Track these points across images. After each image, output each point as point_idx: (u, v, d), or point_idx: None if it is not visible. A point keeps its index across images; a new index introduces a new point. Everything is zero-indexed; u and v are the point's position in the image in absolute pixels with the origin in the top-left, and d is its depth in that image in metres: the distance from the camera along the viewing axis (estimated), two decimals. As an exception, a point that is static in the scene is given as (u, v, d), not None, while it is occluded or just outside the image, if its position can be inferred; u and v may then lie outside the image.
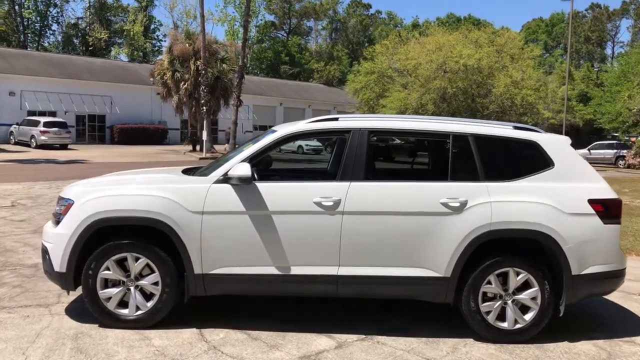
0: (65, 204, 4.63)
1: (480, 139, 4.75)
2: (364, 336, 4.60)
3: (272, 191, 4.54)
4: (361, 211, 4.50)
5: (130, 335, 4.40)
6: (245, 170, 4.42)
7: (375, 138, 4.83)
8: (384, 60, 34.91)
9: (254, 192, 4.50)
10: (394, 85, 33.65)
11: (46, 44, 60.25)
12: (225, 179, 4.53)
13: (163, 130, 40.17)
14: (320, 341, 4.47)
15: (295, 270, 4.52)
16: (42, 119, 31.81)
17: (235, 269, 4.52)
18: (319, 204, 4.48)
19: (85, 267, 4.50)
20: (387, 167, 5.69)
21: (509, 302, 4.60)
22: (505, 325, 4.61)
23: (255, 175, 4.64)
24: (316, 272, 4.52)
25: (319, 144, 29.67)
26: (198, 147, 32.98)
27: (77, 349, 4.10)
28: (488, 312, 4.60)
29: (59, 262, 4.52)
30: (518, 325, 4.61)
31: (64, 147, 31.77)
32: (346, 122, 4.82)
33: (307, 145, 31.29)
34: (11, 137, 33.37)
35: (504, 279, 4.61)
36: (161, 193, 4.51)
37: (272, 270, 4.52)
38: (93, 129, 39.19)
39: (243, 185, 4.47)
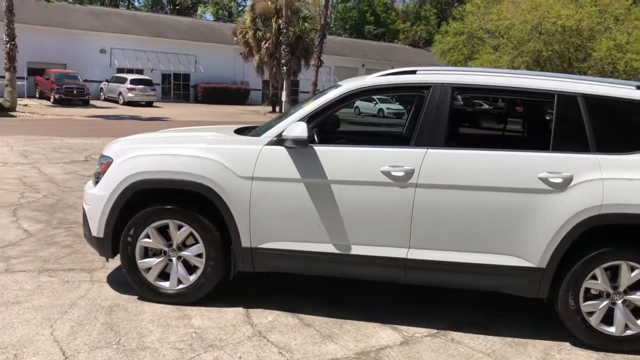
0: (104, 162, 4.17)
1: (592, 100, 3.81)
2: (435, 331, 3.90)
3: (332, 156, 3.86)
4: (439, 184, 3.73)
5: (169, 312, 3.93)
6: (301, 130, 3.75)
7: (460, 96, 4.01)
8: (474, 20, 32.80)
9: (311, 157, 3.84)
10: (484, 47, 31.67)
11: (136, 3, 61.82)
12: (279, 140, 3.89)
13: (245, 91, 40.24)
14: (383, 334, 3.81)
15: (357, 250, 3.86)
16: (129, 77, 32.57)
17: (287, 244, 3.91)
18: (387, 173, 3.76)
19: (124, 234, 4.04)
20: (473, 132, 4.88)
21: (619, 302, 3.72)
22: (612, 330, 3.74)
23: (315, 137, 3.98)
24: (381, 254, 3.83)
25: (401, 107, 28.53)
26: (278, 109, 32.73)
27: (108, 325, 3.67)
28: (591, 313, 3.75)
29: (97, 227, 4.09)
30: (629, 332, 3.74)
31: (149, 104, 32.45)
32: (425, 75, 4.01)
33: (388, 108, 30.21)
34: (101, 94, 34.47)
35: (613, 273, 3.73)
36: (207, 154, 3.94)
37: (329, 248, 3.88)
38: (178, 87, 39.89)
39: (299, 148, 3.81)
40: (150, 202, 4.03)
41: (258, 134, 4.07)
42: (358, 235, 3.84)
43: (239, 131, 4.44)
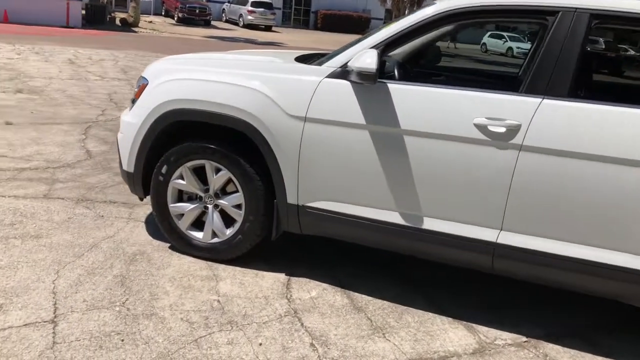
0: (140, 85, 3.51)
1: None
2: (524, 339, 2.96)
3: (409, 98, 2.90)
4: (554, 149, 2.68)
5: (197, 270, 3.30)
6: (369, 61, 2.81)
7: (600, 26, 2.83)
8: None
9: (382, 96, 2.91)
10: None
11: None
12: (343, 72, 2.99)
13: (366, 19, 38.63)
14: (452, 335, 2.93)
15: (430, 225, 2.95)
16: (251, -1, 32.23)
17: (343, 206, 3.08)
18: (482, 127, 2.76)
19: (155, 171, 3.41)
20: (612, 81, 3.62)
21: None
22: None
23: (394, 72, 3.05)
24: (462, 233, 2.89)
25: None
26: (398, 40, 30.97)
27: (121, 279, 3.10)
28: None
29: (127, 159, 3.49)
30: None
31: (268, 28, 32.10)
32: (551, -5, 2.86)
33: (518, 47, 27.57)
34: (223, 15, 34.57)
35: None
36: (252, 83, 3.13)
37: (395, 217, 3.00)
38: (298, 12, 39.15)
39: (367, 84, 2.89)
40: (188, 136, 3.34)
41: (320, 63, 3.18)
42: (434, 205, 2.92)
43: (303, 59, 3.56)
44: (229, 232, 3.36)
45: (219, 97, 3.17)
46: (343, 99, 2.98)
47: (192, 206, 3.42)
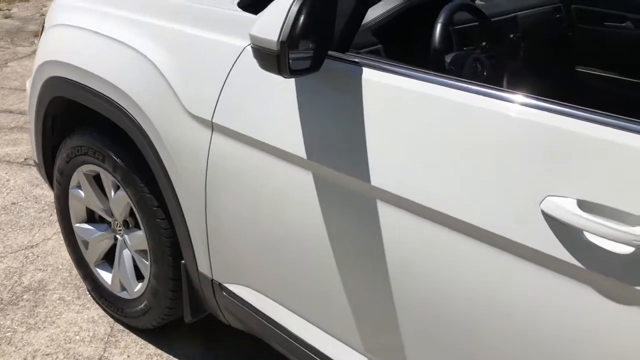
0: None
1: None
2: None
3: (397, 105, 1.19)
4: None
5: (83, 344, 2.04)
6: (271, 26, 1.12)
7: None
8: None
9: (330, 99, 1.24)
10: None
11: None
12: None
13: None
14: None
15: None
16: None
17: (263, 300, 1.53)
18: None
19: (55, 173, 2.17)
20: None
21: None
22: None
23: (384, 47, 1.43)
24: None
25: None
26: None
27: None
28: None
29: (33, 142, 2.29)
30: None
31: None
32: None
33: None
34: None
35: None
36: (140, 43, 1.63)
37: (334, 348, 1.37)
38: None
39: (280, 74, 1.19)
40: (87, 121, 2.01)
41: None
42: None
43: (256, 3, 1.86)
44: (138, 289, 2.03)
45: (97, 64, 1.75)
46: (262, 91, 1.36)
47: (100, 233, 2.13)
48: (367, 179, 1.20)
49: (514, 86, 1.85)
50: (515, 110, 1.04)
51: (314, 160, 1.28)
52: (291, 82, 1.31)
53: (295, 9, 1.07)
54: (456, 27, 1.78)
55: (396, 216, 1.17)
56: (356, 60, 1.25)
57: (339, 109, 1.25)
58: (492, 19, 1.99)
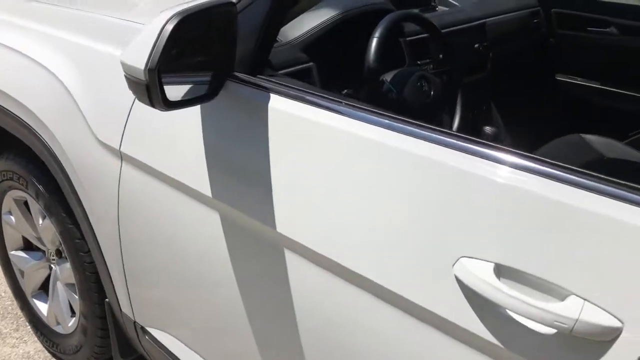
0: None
1: None
2: None
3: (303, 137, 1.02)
4: None
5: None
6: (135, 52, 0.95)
7: None
8: None
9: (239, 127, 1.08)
10: None
11: None
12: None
13: None
14: None
15: None
16: None
17: (190, 345, 1.37)
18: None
19: (-12, 193, 2.02)
20: None
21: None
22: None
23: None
24: None
25: None
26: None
27: None
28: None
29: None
30: None
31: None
32: None
33: None
34: None
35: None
36: (48, 58, 1.47)
37: None
38: None
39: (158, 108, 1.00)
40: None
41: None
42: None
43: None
44: (71, 324, 1.87)
45: (5, 80, 1.60)
46: (169, 119, 1.19)
47: (35, 262, 1.98)
48: (272, 224, 1.03)
49: (469, 105, 1.68)
50: (433, 151, 0.86)
51: (219, 200, 1.12)
52: (196, 110, 1.14)
53: (169, 28, 0.90)
54: (409, 38, 1.60)
55: (304, 268, 1.01)
56: (265, 85, 1.08)
57: (244, 143, 1.09)
58: (456, 27, 1.82)
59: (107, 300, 1.60)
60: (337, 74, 1.41)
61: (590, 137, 2.12)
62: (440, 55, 1.57)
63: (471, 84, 1.78)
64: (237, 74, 1.11)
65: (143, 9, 1.51)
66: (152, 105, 0.93)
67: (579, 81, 2.36)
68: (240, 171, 1.08)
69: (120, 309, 1.55)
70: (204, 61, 1.02)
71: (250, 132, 1.08)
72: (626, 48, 2.21)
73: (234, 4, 1.02)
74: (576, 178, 0.74)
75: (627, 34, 2.21)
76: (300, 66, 1.33)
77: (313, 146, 0.99)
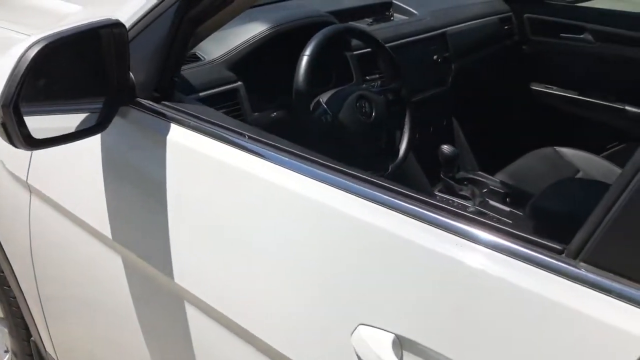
0: None
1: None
2: None
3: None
4: None
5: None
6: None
7: None
8: None
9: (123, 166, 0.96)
10: None
11: None
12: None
13: None
14: None
15: None
16: None
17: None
18: None
19: None
20: None
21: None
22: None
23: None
24: None
25: None
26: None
27: None
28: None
29: None
30: None
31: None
32: None
33: None
34: None
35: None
36: None
37: None
38: None
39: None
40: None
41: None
42: None
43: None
44: None
45: None
46: (72, 150, 1.08)
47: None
48: (170, 274, 0.91)
49: (425, 123, 1.56)
50: (337, 200, 0.73)
51: (119, 242, 1.00)
52: (97, 140, 1.02)
53: (30, 56, 0.78)
54: (356, 52, 1.48)
55: (203, 322, 0.89)
56: (167, 113, 0.96)
57: (141, 181, 0.97)
58: (413, 39, 1.69)
59: (32, 339, 1.48)
60: (269, 94, 1.29)
61: (565, 150, 2.01)
62: (387, 71, 1.44)
63: (428, 99, 1.66)
64: (140, 100, 0.99)
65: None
66: (14, 144, 0.81)
67: (554, 90, 2.23)
68: (138, 213, 0.97)
69: (45, 349, 1.43)
70: (89, 88, 0.90)
71: (148, 168, 0.96)
72: (604, 55, 2.09)
73: (121, 25, 0.90)
74: (488, 250, 0.61)
75: (603, 40, 2.08)
76: (226, 87, 1.20)
77: (212, 189, 0.87)
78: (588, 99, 2.14)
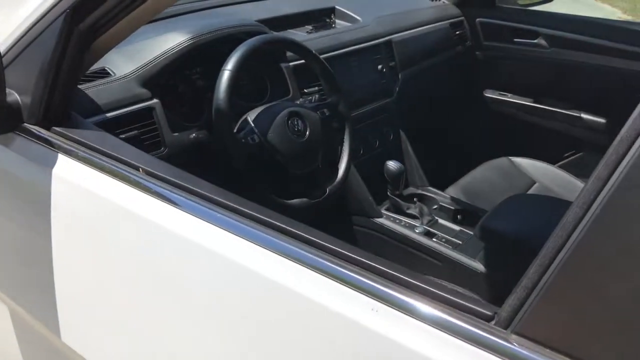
0: None
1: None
2: None
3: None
4: None
5: None
6: None
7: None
8: None
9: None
10: None
11: None
12: None
13: None
14: None
15: None
16: None
17: None
18: None
19: None
20: None
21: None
22: None
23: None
24: None
25: None
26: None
27: None
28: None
29: None
30: None
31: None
32: None
33: None
34: None
35: None
36: None
37: None
38: None
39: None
40: None
41: None
42: None
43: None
44: None
45: None
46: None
47: None
48: (57, 331, 0.78)
49: (368, 138, 1.45)
50: (231, 244, 0.62)
51: (3, 292, 0.86)
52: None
53: None
54: (293, 63, 1.37)
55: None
56: (55, 141, 0.83)
57: (25, 220, 0.84)
58: (355, 47, 1.58)
59: None
60: (190, 112, 1.16)
61: (520, 160, 1.93)
62: (324, 84, 1.33)
63: (373, 112, 1.55)
64: (27, 125, 0.86)
65: None
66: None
67: (509, 98, 2.15)
68: (21, 259, 0.83)
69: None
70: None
71: (31, 206, 0.82)
72: (559, 61, 2.02)
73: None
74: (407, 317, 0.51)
75: (558, 46, 2.01)
76: (139, 105, 1.07)
77: (99, 233, 0.75)
78: (543, 107, 2.07)
